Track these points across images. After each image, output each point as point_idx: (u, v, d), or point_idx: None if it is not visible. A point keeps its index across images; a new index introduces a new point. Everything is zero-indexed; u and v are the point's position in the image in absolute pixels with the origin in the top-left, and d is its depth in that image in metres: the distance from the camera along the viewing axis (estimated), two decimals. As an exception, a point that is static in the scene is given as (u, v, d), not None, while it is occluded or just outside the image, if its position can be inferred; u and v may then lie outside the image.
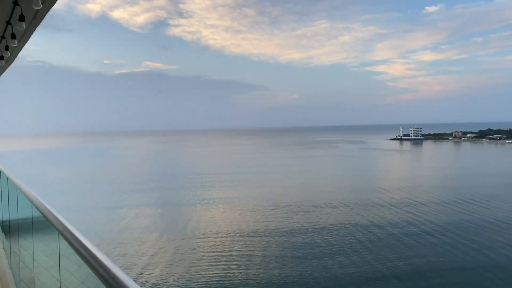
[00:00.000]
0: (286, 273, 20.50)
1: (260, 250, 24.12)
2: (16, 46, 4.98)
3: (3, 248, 6.42)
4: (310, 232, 27.74)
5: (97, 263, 1.65)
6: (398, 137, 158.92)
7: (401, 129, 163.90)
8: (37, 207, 3.08)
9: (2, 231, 7.24)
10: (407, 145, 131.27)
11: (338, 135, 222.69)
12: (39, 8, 3.49)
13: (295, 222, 30.31)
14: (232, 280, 19.63)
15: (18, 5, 3.71)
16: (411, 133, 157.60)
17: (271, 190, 44.86)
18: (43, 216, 2.77)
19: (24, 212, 4.52)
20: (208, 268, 21.22)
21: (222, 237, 26.97)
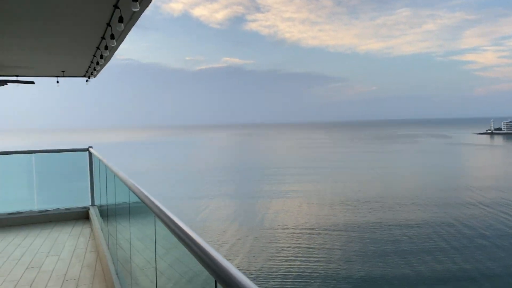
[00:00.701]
0: (367, 269, 20.02)
1: (340, 245, 23.79)
2: (114, 46, 5.39)
3: (102, 230, 7.02)
4: (393, 229, 26.75)
5: (193, 243, 1.74)
6: (489, 131, 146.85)
7: (491, 122, 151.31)
8: (134, 192, 3.31)
9: (100, 216, 7.94)
10: (499, 139, 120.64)
11: (420, 129, 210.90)
12: (137, 9, 3.76)
13: (376, 218, 29.41)
14: (311, 273, 19.61)
15: (118, 7, 4.03)
16: (503, 127, 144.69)
17: (349, 185, 43.90)
18: (141, 200, 2.97)
19: (120, 198, 4.90)
20: (286, 260, 21.41)
21: (300, 229, 27.03)
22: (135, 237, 4.10)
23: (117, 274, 4.86)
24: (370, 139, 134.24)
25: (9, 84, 8.31)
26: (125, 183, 3.89)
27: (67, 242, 7.12)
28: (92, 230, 7.85)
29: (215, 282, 1.44)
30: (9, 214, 8.44)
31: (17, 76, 8.79)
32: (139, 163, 68.96)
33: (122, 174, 4.25)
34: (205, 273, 1.54)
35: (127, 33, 5.24)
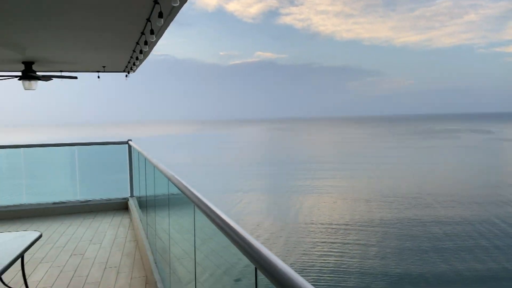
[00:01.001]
0: (403, 266, 19.64)
1: (375, 241, 23.41)
2: (153, 41, 5.52)
3: (141, 221, 7.24)
4: (430, 226, 26.04)
5: (234, 232, 1.77)
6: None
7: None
8: (174, 184, 3.39)
9: (139, 207, 8.18)
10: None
11: (460, 124, 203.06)
12: (177, 4, 3.84)
13: (413, 215, 28.69)
14: (346, 268, 19.43)
15: (158, 3, 4.12)
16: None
17: (386, 181, 43.03)
18: (181, 191, 3.03)
19: (159, 189, 5.04)
20: (321, 255, 21.29)
21: (335, 225, 26.81)
22: (173, 228, 4.20)
23: (155, 263, 5.01)
24: (407, 134, 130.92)
25: (54, 79, 8.68)
26: (165, 175, 3.98)
27: (108, 231, 7.40)
28: (131, 220, 8.10)
29: (255, 269, 1.47)
30: (53, 203, 8.87)
31: (61, 71, 9.17)
32: (174, 156, 70.24)
33: (161, 165, 4.34)
34: (244, 262, 1.56)
35: (166, 29, 5.34)
